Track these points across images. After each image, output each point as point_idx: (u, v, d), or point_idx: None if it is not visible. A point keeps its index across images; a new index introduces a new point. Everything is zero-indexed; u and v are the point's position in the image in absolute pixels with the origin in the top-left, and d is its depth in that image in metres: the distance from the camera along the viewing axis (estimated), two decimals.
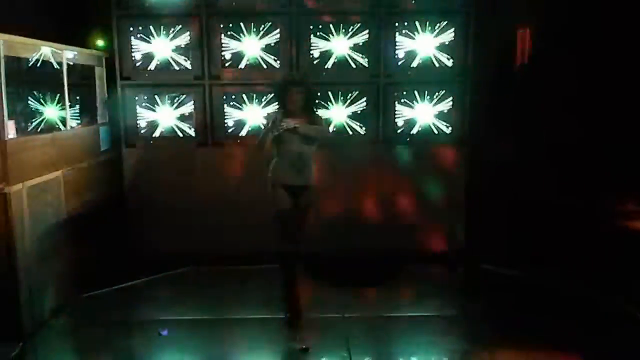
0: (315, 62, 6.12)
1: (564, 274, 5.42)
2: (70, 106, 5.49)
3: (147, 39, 6.09)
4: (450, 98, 6.20)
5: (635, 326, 4.58)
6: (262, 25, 6.07)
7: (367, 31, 6.08)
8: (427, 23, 6.08)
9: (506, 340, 4.36)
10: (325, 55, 6.11)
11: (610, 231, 5.60)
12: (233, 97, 6.20)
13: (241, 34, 6.08)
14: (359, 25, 6.08)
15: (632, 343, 4.33)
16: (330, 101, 6.15)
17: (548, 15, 6.02)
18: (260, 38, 6.09)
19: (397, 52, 6.13)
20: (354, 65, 6.12)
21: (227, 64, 6.14)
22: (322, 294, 5.13)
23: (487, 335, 4.45)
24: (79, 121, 5.93)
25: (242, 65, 6.14)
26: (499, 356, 4.16)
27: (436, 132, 6.25)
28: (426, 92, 6.19)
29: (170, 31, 6.08)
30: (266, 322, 4.71)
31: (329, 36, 6.08)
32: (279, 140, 4.54)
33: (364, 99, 6.18)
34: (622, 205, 5.80)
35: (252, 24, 6.07)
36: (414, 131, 6.25)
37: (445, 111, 6.22)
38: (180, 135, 6.26)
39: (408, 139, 6.27)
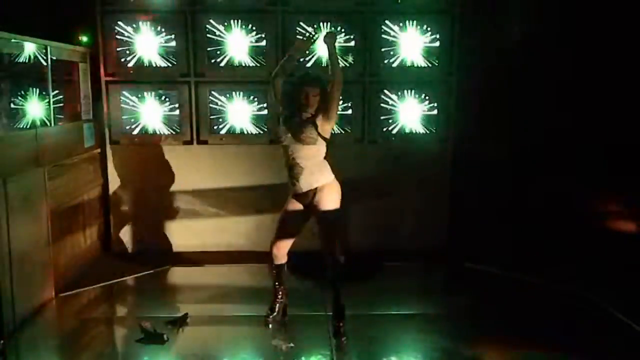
0: (300, 60, 6.12)
1: (547, 272, 5.46)
2: (54, 102, 5.44)
3: (132, 35, 6.06)
4: (436, 97, 6.23)
5: (617, 326, 4.62)
6: (249, 23, 6.07)
7: (352, 30, 6.10)
8: (413, 22, 6.11)
9: (490, 338, 4.39)
10: (311, 53, 6.11)
11: (594, 231, 5.66)
12: (218, 94, 6.19)
13: (227, 32, 6.07)
14: (345, 24, 6.09)
15: (615, 342, 4.37)
16: None
17: (535, 15, 6.07)
18: (247, 36, 6.09)
19: (382, 51, 6.15)
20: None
21: (212, 62, 6.13)
22: (306, 292, 5.13)
23: (470, 333, 4.47)
24: (62, 117, 5.88)
25: (227, 63, 6.13)
26: (483, 354, 4.19)
27: (421, 131, 6.28)
28: (411, 91, 6.22)
29: (156, 28, 6.05)
30: (248, 319, 4.70)
31: (315, 34, 6.07)
32: (279, 139, 4.29)
33: (349, 98, 6.20)
34: (606, 205, 5.86)
35: (239, 21, 6.06)
36: (399, 130, 6.28)
37: (431, 110, 6.25)
38: (165, 132, 6.23)
39: (393, 138, 6.29)
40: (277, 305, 4.60)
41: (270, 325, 4.54)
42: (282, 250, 4.47)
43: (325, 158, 4.32)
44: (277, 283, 4.59)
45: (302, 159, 4.20)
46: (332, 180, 4.30)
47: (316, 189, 4.25)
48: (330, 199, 4.27)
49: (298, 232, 4.45)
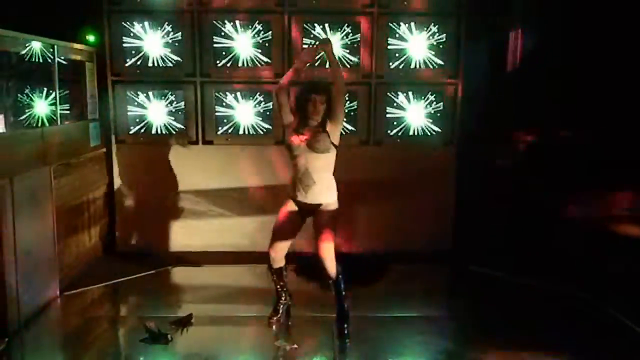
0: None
1: (551, 276, 5.46)
2: (61, 101, 5.46)
3: (139, 35, 6.07)
4: (442, 99, 6.23)
5: (620, 329, 4.61)
6: (255, 23, 6.07)
7: (359, 31, 6.10)
8: (419, 24, 6.11)
9: (494, 341, 4.38)
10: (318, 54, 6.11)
11: (599, 234, 5.64)
12: (224, 95, 6.20)
13: (233, 32, 6.08)
14: (351, 25, 6.09)
15: (618, 345, 4.36)
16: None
17: (540, 17, 6.05)
18: (253, 36, 6.09)
19: (388, 52, 6.15)
20: (346, 66, 6.13)
21: (218, 62, 6.13)
22: (310, 293, 5.14)
23: (474, 336, 4.47)
24: (68, 116, 5.90)
25: (233, 63, 6.13)
26: (486, 357, 4.18)
27: (427, 133, 6.28)
28: (418, 93, 6.21)
29: (162, 28, 6.07)
30: (252, 320, 4.70)
31: (321, 35, 6.08)
32: (290, 149, 4.25)
33: (355, 99, 6.20)
34: (611, 208, 5.84)
35: (245, 21, 6.07)
36: (405, 132, 6.27)
37: (437, 112, 6.25)
38: (171, 132, 6.25)
39: (399, 140, 6.28)
40: (281, 306, 4.61)
41: (274, 327, 4.54)
42: (279, 253, 4.47)
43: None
44: (278, 286, 4.60)
45: (317, 171, 4.22)
46: (335, 200, 4.33)
47: (320, 205, 4.28)
48: (332, 215, 4.30)
49: (294, 236, 4.46)
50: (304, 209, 4.34)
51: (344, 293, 4.41)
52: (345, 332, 4.36)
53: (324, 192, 4.27)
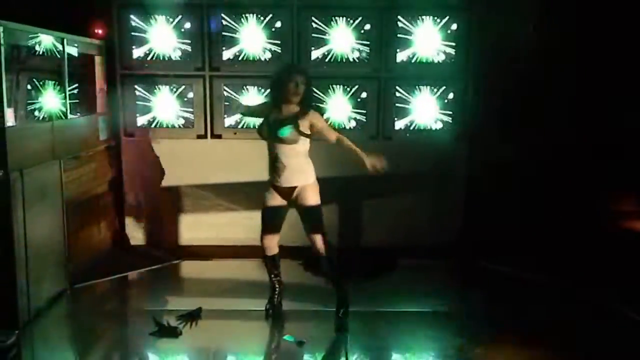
0: (316, 55, 6.11)
1: (560, 273, 5.43)
2: (70, 95, 5.46)
3: (148, 28, 6.07)
4: (452, 94, 6.19)
5: (628, 325, 4.59)
6: (264, 18, 6.06)
7: (368, 25, 6.07)
8: (430, 18, 6.07)
9: (502, 337, 4.37)
10: (327, 48, 6.09)
11: (607, 231, 5.61)
12: (232, 88, 6.19)
13: (242, 26, 6.06)
14: (360, 19, 6.06)
15: (626, 342, 4.34)
16: (329, 95, 6.15)
17: (552, 13, 6.00)
18: (262, 30, 6.07)
19: (398, 46, 6.12)
20: (355, 60, 6.10)
21: (228, 56, 6.12)
22: (319, 288, 5.13)
23: (483, 332, 4.46)
24: (78, 110, 5.90)
25: (242, 57, 6.12)
26: (494, 353, 4.17)
27: (436, 128, 6.25)
28: (427, 88, 6.18)
29: (171, 21, 6.06)
30: (260, 314, 4.69)
31: (331, 30, 6.06)
32: (261, 137, 4.37)
33: (365, 93, 6.18)
34: (620, 205, 5.81)
35: (254, 15, 6.05)
36: (415, 127, 6.25)
37: (446, 108, 6.22)
38: (179, 126, 6.25)
39: (408, 135, 6.26)
40: (276, 296, 4.62)
41: (278, 319, 4.55)
42: (271, 241, 4.52)
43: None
44: (272, 275, 4.61)
45: (285, 156, 4.25)
46: (312, 181, 4.36)
47: (296, 187, 4.30)
48: (313, 198, 4.34)
49: (282, 221, 4.51)
50: (282, 192, 4.35)
51: (339, 277, 4.44)
52: (344, 324, 4.36)
53: (296, 175, 4.28)
